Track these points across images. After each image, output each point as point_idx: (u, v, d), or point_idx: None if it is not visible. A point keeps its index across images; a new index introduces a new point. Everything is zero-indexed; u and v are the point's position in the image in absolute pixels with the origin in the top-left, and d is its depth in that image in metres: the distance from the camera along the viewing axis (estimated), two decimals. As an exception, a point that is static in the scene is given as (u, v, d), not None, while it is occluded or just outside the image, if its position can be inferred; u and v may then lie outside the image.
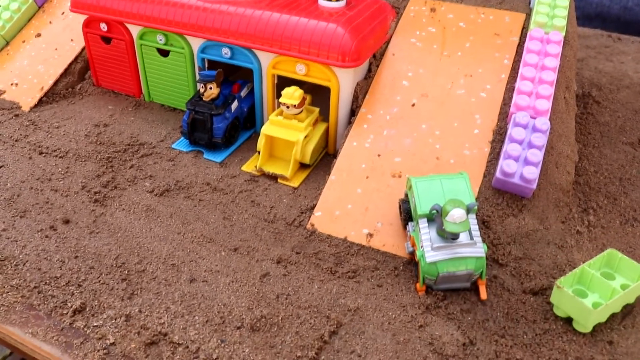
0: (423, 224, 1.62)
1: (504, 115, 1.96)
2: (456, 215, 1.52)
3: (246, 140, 2.20)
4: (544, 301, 1.64)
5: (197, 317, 1.54)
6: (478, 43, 2.12)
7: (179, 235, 1.80)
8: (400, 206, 1.77)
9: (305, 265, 1.71)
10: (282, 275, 1.67)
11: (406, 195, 1.76)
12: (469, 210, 1.54)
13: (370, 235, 1.78)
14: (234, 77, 2.34)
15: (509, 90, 2.01)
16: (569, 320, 1.58)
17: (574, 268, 1.70)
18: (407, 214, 1.72)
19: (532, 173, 1.77)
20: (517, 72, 2.01)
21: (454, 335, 1.52)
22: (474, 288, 1.66)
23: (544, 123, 1.86)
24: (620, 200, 2.01)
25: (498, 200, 1.82)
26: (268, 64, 2.07)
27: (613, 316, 1.58)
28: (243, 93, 2.20)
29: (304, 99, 2.01)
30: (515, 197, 1.82)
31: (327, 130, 2.10)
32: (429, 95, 2.03)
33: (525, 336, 1.55)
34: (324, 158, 2.15)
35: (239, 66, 2.16)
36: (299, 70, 2.04)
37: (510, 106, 1.94)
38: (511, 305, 1.62)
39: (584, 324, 1.53)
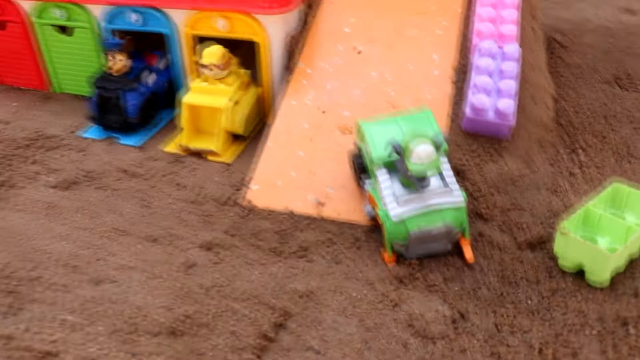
0: (382, 174, 1.19)
1: (465, 52, 1.55)
2: (423, 152, 1.09)
3: (170, 121, 1.75)
4: (546, 256, 1.21)
5: (100, 328, 1.08)
6: (426, -21, 1.71)
7: (85, 232, 1.34)
8: (352, 162, 1.34)
9: (242, 249, 1.26)
10: (212, 264, 1.22)
11: (358, 147, 1.33)
12: (437, 147, 1.12)
13: (321, 204, 1.34)
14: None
15: (468, 24, 1.60)
16: (579, 274, 1.15)
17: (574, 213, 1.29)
18: (361, 169, 1.29)
19: (508, 106, 1.35)
20: (474, 3, 1.61)
21: (440, 310, 1.08)
22: (457, 251, 1.22)
23: (514, 49, 1.45)
24: (610, 138, 1.61)
25: (472, 145, 1.40)
26: (184, 25, 1.64)
27: (632, 263, 1.16)
28: (161, 65, 1.75)
29: (229, 58, 1.57)
30: (491, 140, 1.41)
31: (261, 97, 1.67)
32: (375, 41, 1.61)
33: (529, 301, 1.12)
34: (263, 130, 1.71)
35: (158, 38, 1.72)
36: (221, 27, 1.60)
37: (471, 40, 1.53)
38: (506, 266, 1.19)
39: (600, 275, 1.11)
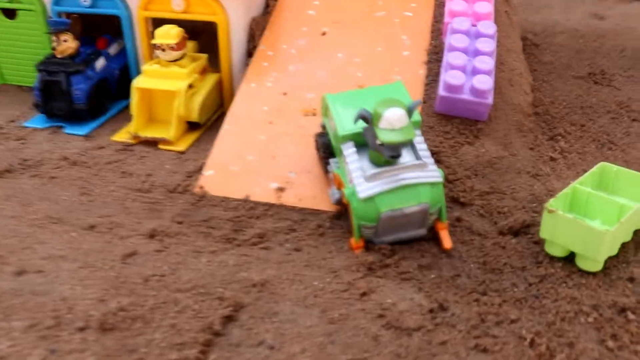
0: (348, 148, 1.03)
1: (437, 33, 1.42)
2: (393, 116, 0.93)
3: (124, 111, 1.57)
4: (530, 241, 1.07)
5: (16, 323, 0.88)
6: (394, -37, 1.59)
7: (13, 220, 1.14)
8: (317, 143, 1.18)
9: (190, 237, 1.09)
10: (155, 252, 1.04)
11: (323, 126, 1.17)
12: (410, 113, 0.97)
13: (281, 189, 1.18)
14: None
15: (440, 5, 1.48)
16: (569, 260, 1.01)
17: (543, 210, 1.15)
18: (326, 149, 1.14)
19: (485, 82, 1.21)
20: (446, -13, 1.49)
21: (415, 300, 0.92)
22: (433, 236, 1.07)
23: (489, 26, 1.33)
24: (589, 127, 1.48)
25: (445, 127, 1.26)
26: (137, 6, 1.48)
27: (624, 247, 1.02)
28: (112, 50, 1.59)
29: (184, 38, 1.42)
30: (467, 122, 1.27)
31: (219, 83, 1.51)
32: (341, 22, 1.47)
33: (515, 289, 0.97)
34: (222, 119, 1.54)
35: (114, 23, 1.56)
36: (176, 6, 1.45)
37: (444, 20, 1.40)
38: (488, 253, 1.04)
39: (594, 257, 0.96)
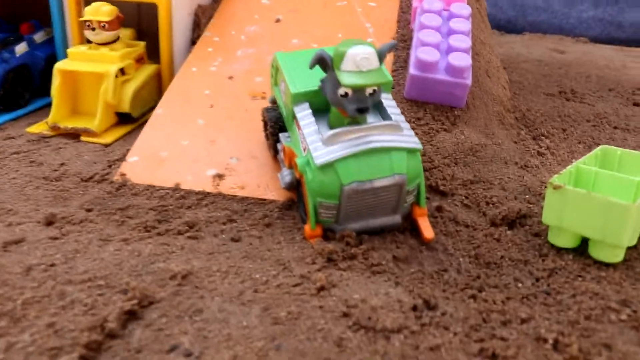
0: (302, 109, 0.78)
1: (405, 24, 1.22)
2: (359, 54, 0.69)
3: (46, 108, 1.29)
4: (528, 232, 0.82)
5: None
6: (356, -40, 1.41)
7: None
8: (264, 116, 0.93)
9: (99, 224, 0.80)
10: (48, 239, 0.75)
11: (272, 101, 0.93)
12: (382, 57, 0.73)
13: (220, 176, 0.91)
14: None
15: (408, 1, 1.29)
16: (579, 251, 0.76)
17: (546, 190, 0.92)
18: (275, 125, 0.88)
19: (463, 59, 1.00)
20: (412, -20, 1.30)
21: (391, 295, 0.65)
22: (409, 226, 0.81)
23: (463, 7, 1.13)
24: (571, 131, 1.28)
25: (417, 113, 1.03)
26: (66, -14, 1.24)
27: (643, 240, 0.79)
28: (38, 37, 1.32)
29: (118, 18, 1.17)
30: (441, 108, 1.04)
31: (158, 75, 1.26)
32: (298, 11, 1.26)
33: (520, 284, 0.71)
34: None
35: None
36: (111, -15, 1.22)
37: (412, 4, 1.21)
38: (479, 245, 0.79)
39: (616, 241, 0.71)
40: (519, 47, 2.33)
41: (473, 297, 0.67)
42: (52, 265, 0.69)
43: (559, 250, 0.77)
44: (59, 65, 1.15)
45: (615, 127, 1.34)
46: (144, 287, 0.64)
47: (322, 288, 0.66)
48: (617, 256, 0.73)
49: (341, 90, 0.71)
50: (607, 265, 0.73)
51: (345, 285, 0.67)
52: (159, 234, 0.78)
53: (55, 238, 0.75)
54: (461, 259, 0.76)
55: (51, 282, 0.65)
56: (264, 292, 0.65)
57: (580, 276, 0.72)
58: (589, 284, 0.69)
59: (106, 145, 1.10)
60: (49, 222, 0.79)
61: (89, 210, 0.84)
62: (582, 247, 0.77)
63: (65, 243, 0.74)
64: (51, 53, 1.32)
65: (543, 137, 1.19)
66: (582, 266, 0.74)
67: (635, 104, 1.57)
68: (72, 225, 0.79)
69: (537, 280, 0.71)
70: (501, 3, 2.79)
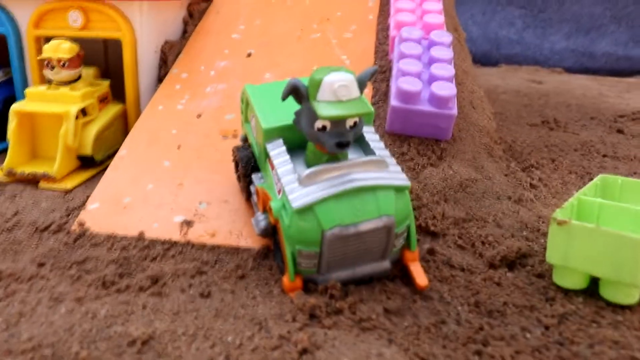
0: (276, 146, 0.70)
1: (382, 54, 1.16)
2: (338, 81, 0.61)
3: (3, 153, 1.19)
4: (530, 274, 0.74)
5: None
6: (329, -8, 1.36)
7: None
8: (235, 156, 0.84)
9: (52, 281, 0.70)
10: (-14, 304, 0.65)
11: (244, 139, 0.85)
12: (362, 85, 0.65)
13: (188, 223, 0.82)
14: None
15: (383, 30, 1.23)
16: (589, 292, 0.69)
17: (549, 226, 0.84)
18: (247, 165, 0.79)
19: (447, 89, 0.93)
20: (388, 12, 1.25)
21: (386, 356, 0.56)
22: (399, 273, 0.73)
23: (443, 34, 1.07)
24: (560, 161, 1.22)
25: (402, 148, 0.96)
26: (27, 23, 1.15)
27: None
28: (-6, 77, 1.24)
29: (79, 55, 1.09)
30: (426, 142, 0.97)
31: (124, 115, 1.17)
32: (270, 45, 1.19)
33: (528, 335, 0.62)
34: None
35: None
36: (74, 22, 1.13)
37: (389, 35, 1.15)
38: (479, 291, 0.70)
39: (631, 279, 0.64)
40: (495, 79, 2.30)
41: (478, 353, 0.58)
42: (-11, 333, 0.58)
43: (567, 293, 0.69)
44: (15, 107, 1.06)
45: (604, 155, 1.29)
46: (96, 357, 0.54)
47: (304, 351, 0.57)
48: (633, 297, 0.65)
49: (318, 123, 0.63)
50: (623, 307, 0.66)
51: (331, 346, 0.58)
52: (118, 290, 0.68)
53: (-2, 301, 0.65)
54: (460, 308, 0.67)
55: (-17, 356, 0.55)
56: (237, 359, 0.56)
57: (594, 322, 0.64)
58: (606, 331, 0.61)
59: (66, 192, 1.00)
60: (-7, 282, 0.69)
61: (41, 265, 0.74)
62: (592, 288, 0.69)
63: (9, 305, 0.64)
64: (10, 94, 1.23)
65: (533, 169, 1.12)
66: (594, 310, 0.66)
67: (619, 131, 1.52)
68: (20, 284, 0.69)
69: (547, 328, 0.63)
70: (475, 37, 2.79)
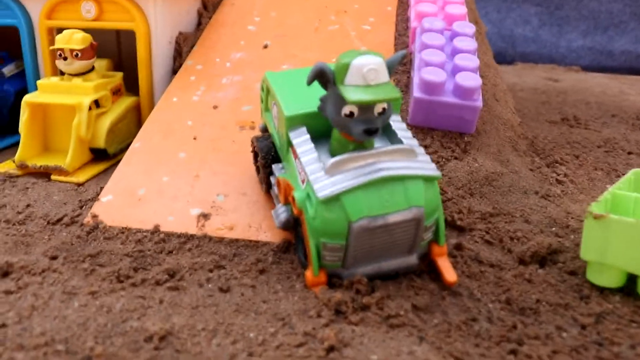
0: (299, 135, 0.68)
1: (402, 46, 1.13)
2: (366, 65, 0.59)
3: (16, 145, 1.17)
4: (562, 271, 0.71)
5: None
6: (346, -16, 1.33)
7: None
8: (254, 146, 0.82)
9: (65, 274, 0.67)
10: (1, 293, 0.62)
11: (264, 129, 0.82)
12: (391, 70, 0.63)
13: (205, 216, 0.80)
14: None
15: (403, 21, 1.20)
16: (625, 291, 0.66)
17: (580, 222, 0.81)
18: (267, 156, 0.77)
19: (472, 79, 0.90)
20: (407, 3, 1.23)
21: (418, 355, 0.53)
22: (427, 268, 0.70)
23: (466, 25, 1.05)
24: (584, 157, 1.19)
25: (424, 141, 0.93)
26: (40, 14, 1.13)
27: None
28: (8, 70, 1.22)
29: (92, 46, 1.07)
30: (451, 135, 0.94)
31: (138, 108, 1.15)
32: (287, 36, 1.17)
33: (564, 334, 0.59)
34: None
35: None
36: (87, 13, 1.12)
37: (409, 25, 1.12)
38: (510, 288, 0.67)
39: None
40: (511, 76, 2.26)
41: (513, 352, 0.56)
42: (3, 326, 0.56)
43: (602, 291, 0.66)
44: (27, 98, 1.04)
45: (629, 153, 1.25)
46: (112, 353, 0.51)
47: (331, 348, 0.54)
48: (675, 296, 0.62)
49: (345, 109, 0.60)
50: (664, 306, 0.63)
51: (359, 343, 0.55)
52: (133, 284, 0.65)
53: (10, 292, 0.63)
54: (491, 305, 0.64)
55: (-3, 350, 0.52)
56: (260, 356, 0.53)
57: (633, 321, 0.61)
58: (649, 332, 0.58)
59: (79, 185, 0.98)
60: (5, 273, 0.67)
61: (53, 258, 0.72)
62: (629, 286, 0.66)
63: (22, 298, 0.62)
64: (22, 87, 1.21)
65: (558, 164, 1.09)
66: (633, 309, 0.63)
67: (642, 129, 1.48)
68: (32, 276, 0.67)
69: (584, 327, 0.60)
70: (490, 34, 2.75)
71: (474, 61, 0.95)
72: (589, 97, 1.90)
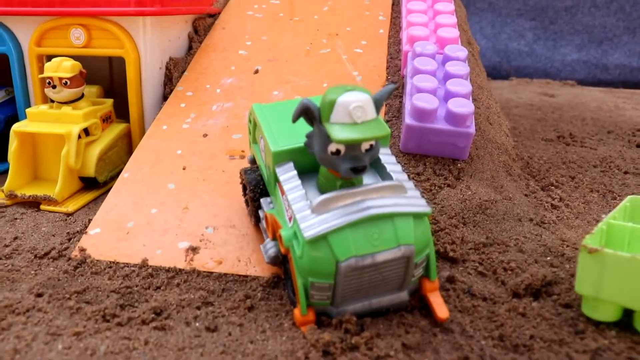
0: (286, 171, 0.67)
1: (394, 70, 1.13)
2: (353, 101, 0.58)
3: (4, 173, 1.16)
4: (557, 304, 0.69)
5: None
6: (339, 5, 1.33)
7: None
8: (242, 179, 0.81)
9: (50, 314, 0.66)
10: (-20, 340, 0.61)
11: (252, 161, 0.81)
12: (378, 106, 0.62)
13: (193, 250, 0.79)
14: None
15: (395, 44, 1.20)
16: (621, 325, 0.64)
17: (576, 250, 0.80)
18: (255, 189, 0.76)
19: (464, 106, 0.90)
20: (401, 11, 1.22)
21: (404, 399, 0.52)
22: (418, 303, 0.69)
23: (458, 49, 1.04)
24: (580, 178, 1.18)
25: (417, 168, 0.92)
26: (29, 41, 1.13)
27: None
28: (-5, 98, 1.22)
29: (82, 73, 1.06)
30: (444, 161, 0.93)
31: (128, 135, 1.14)
32: (279, 59, 1.16)
33: (559, 373, 0.58)
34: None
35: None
36: (76, 40, 1.11)
37: (402, 49, 1.12)
38: (503, 323, 0.66)
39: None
40: (507, 92, 2.26)
41: (507, 395, 0.54)
42: (-19, 376, 0.55)
43: (598, 325, 0.65)
44: (15, 127, 1.03)
45: (625, 172, 1.24)
46: (92, 406, 0.50)
47: (318, 394, 0.53)
48: (671, 331, 0.61)
49: (332, 147, 0.59)
50: (660, 342, 0.61)
51: (347, 387, 0.53)
52: (119, 324, 0.64)
53: (-10, 337, 0.61)
54: (483, 342, 0.63)
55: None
56: (246, 404, 0.52)
57: (630, 358, 0.59)
58: (645, 371, 0.57)
59: (68, 214, 0.97)
60: (-13, 316, 0.66)
61: (39, 295, 0.70)
62: (625, 320, 0.64)
63: (4, 340, 0.60)
64: (12, 114, 1.21)
65: (553, 187, 1.08)
66: (630, 345, 0.61)
67: (638, 146, 1.48)
68: (16, 316, 0.65)
69: (580, 367, 0.59)
70: (484, 49, 2.76)
71: (466, 86, 0.94)
72: (585, 112, 1.90)
